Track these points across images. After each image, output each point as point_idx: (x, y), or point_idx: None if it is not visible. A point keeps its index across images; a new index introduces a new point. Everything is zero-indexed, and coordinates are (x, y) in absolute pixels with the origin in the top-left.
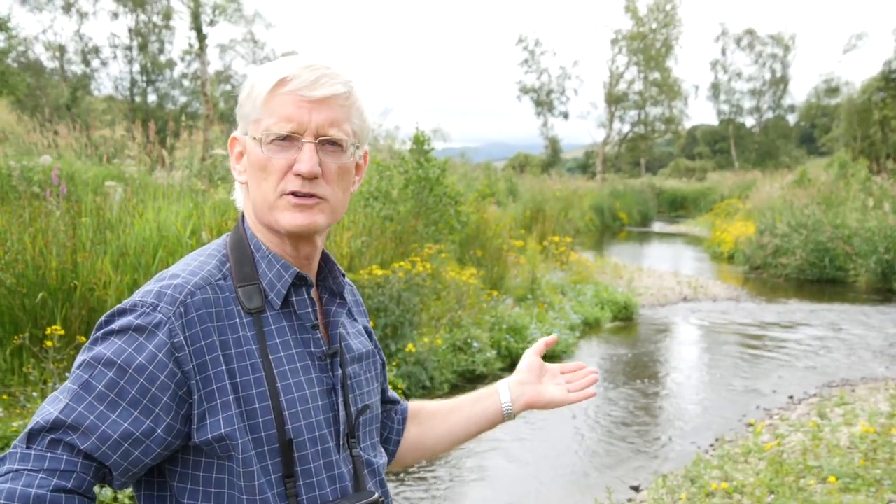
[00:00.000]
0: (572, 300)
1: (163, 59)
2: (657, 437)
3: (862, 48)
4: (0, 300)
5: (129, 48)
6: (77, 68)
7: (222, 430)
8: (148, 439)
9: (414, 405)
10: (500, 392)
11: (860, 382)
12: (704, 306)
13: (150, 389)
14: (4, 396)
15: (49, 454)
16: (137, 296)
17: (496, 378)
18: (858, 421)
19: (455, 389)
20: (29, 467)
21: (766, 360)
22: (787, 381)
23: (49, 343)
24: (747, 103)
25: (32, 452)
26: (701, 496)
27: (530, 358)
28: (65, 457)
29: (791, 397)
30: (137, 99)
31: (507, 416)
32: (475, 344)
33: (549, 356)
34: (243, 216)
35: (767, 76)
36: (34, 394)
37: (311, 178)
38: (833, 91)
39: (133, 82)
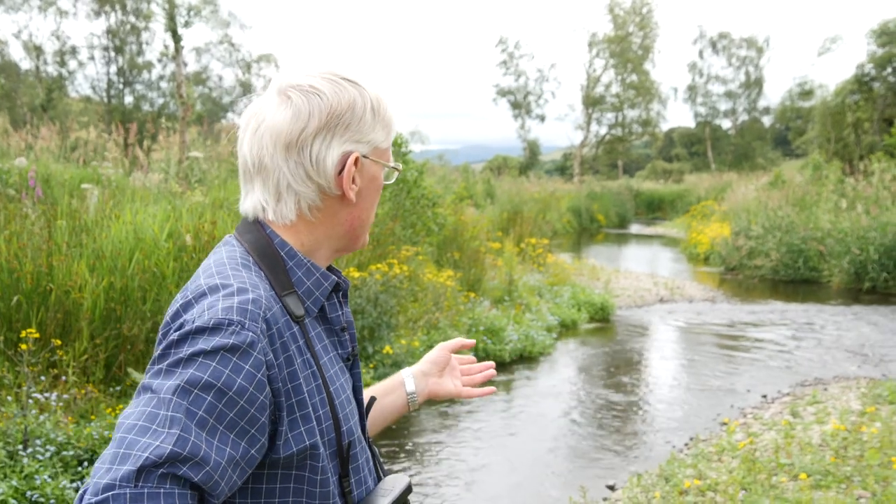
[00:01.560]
0: (549, 302)
1: (140, 60)
2: (633, 437)
3: (835, 51)
4: None
5: (107, 49)
6: (52, 69)
7: (307, 442)
8: (245, 461)
9: None
10: (406, 384)
11: (833, 381)
12: (680, 307)
13: (250, 411)
14: None
15: (161, 490)
16: (217, 313)
17: None
18: (830, 419)
19: None
20: None
21: (741, 360)
22: (762, 381)
23: (24, 346)
24: (723, 106)
25: (145, 491)
26: (675, 494)
27: (441, 353)
28: (176, 490)
29: (765, 396)
30: (114, 101)
31: (412, 406)
32: None
33: (528, 357)
34: (260, 221)
35: (742, 78)
36: (9, 398)
37: None
38: (807, 94)
39: (110, 84)
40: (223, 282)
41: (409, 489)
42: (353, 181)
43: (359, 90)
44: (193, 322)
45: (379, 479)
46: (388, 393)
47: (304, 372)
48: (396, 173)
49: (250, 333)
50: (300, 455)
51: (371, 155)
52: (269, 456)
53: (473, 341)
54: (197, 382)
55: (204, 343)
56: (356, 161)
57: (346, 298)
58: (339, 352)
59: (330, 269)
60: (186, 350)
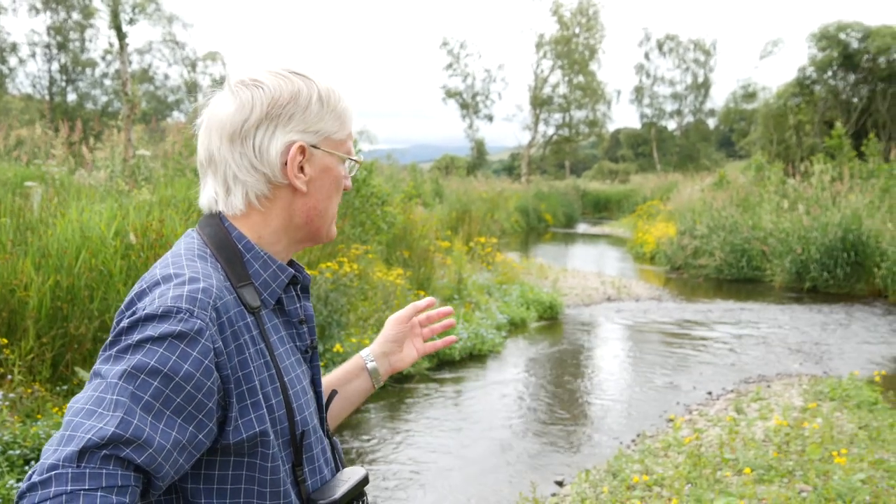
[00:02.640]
0: (498, 300)
1: (84, 58)
2: (581, 433)
3: (777, 54)
4: None
5: (48, 46)
6: None
7: (257, 429)
8: (192, 446)
9: None
10: (369, 366)
11: (775, 378)
12: (627, 306)
13: (197, 396)
14: None
15: (104, 470)
16: (166, 301)
17: (424, 378)
18: (773, 415)
19: (382, 389)
20: (86, 487)
21: (686, 358)
22: (707, 378)
23: None
24: (669, 107)
25: (86, 471)
26: (622, 489)
27: (397, 329)
28: (119, 472)
29: (710, 393)
30: (56, 98)
31: (376, 386)
32: None
33: (478, 356)
34: (220, 215)
35: (689, 80)
36: None
37: None
38: (750, 96)
39: (52, 81)
40: (176, 271)
41: (365, 480)
42: (302, 171)
43: (306, 82)
44: (144, 309)
45: (337, 470)
46: (351, 378)
47: (256, 361)
48: (356, 165)
49: (198, 321)
50: (251, 442)
51: (322, 145)
52: (219, 442)
53: (432, 300)
54: (143, 368)
55: (152, 330)
56: (301, 150)
57: (308, 293)
58: (298, 344)
59: (291, 263)
60: (135, 336)
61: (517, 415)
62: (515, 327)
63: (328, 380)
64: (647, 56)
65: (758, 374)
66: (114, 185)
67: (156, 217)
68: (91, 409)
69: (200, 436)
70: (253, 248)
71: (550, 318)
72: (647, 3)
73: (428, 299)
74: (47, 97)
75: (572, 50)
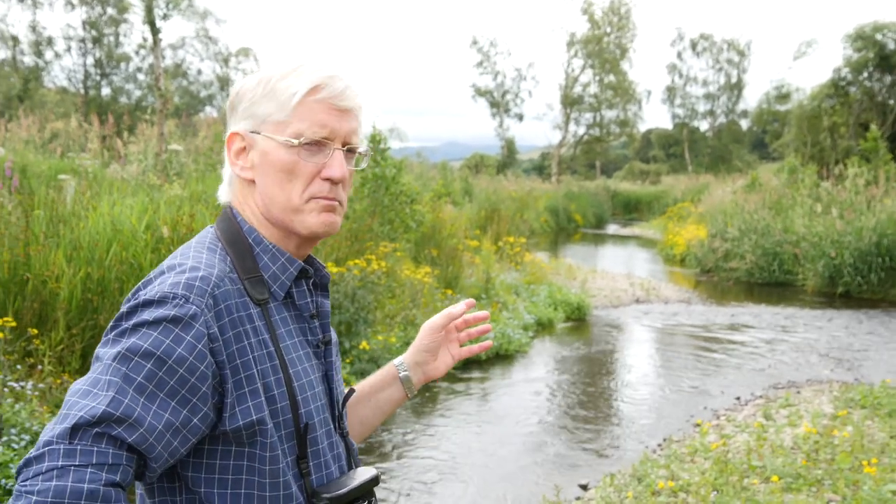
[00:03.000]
0: (526, 300)
1: (118, 52)
2: (606, 437)
3: (811, 55)
4: None
5: (83, 41)
6: (29, 59)
7: (254, 417)
8: (186, 429)
9: None
10: (401, 377)
11: (805, 384)
12: (656, 308)
13: (190, 380)
14: None
15: (95, 448)
16: (164, 288)
17: (451, 377)
18: (802, 422)
19: None
20: (76, 463)
21: (715, 362)
22: (735, 383)
23: (0, 335)
24: (701, 107)
25: (78, 447)
26: (647, 494)
27: (431, 338)
28: (110, 450)
29: (738, 398)
30: (91, 92)
31: (410, 395)
32: None
33: (504, 356)
34: (233, 210)
35: (722, 81)
36: None
37: (338, 182)
38: (784, 97)
39: (87, 75)
40: (181, 261)
41: (374, 480)
42: (248, 159)
43: (269, 72)
44: (144, 296)
45: (350, 470)
46: (383, 387)
47: (258, 351)
48: (294, 142)
49: (193, 307)
50: (248, 430)
51: (263, 129)
52: (218, 428)
53: (472, 301)
54: (137, 350)
55: (148, 314)
56: (241, 138)
57: (326, 290)
58: (309, 338)
59: (310, 261)
60: (132, 321)
61: (543, 416)
62: (542, 328)
63: (360, 387)
64: (679, 56)
65: (787, 380)
66: (145, 180)
67: (186, 212)
68: (87, 389)
69: (195, 420)
70: (262, 241)
71: (578, 319)
72: (680, 3)
73: (464, 304)
74: (82, 91)
75: (603, 49)
